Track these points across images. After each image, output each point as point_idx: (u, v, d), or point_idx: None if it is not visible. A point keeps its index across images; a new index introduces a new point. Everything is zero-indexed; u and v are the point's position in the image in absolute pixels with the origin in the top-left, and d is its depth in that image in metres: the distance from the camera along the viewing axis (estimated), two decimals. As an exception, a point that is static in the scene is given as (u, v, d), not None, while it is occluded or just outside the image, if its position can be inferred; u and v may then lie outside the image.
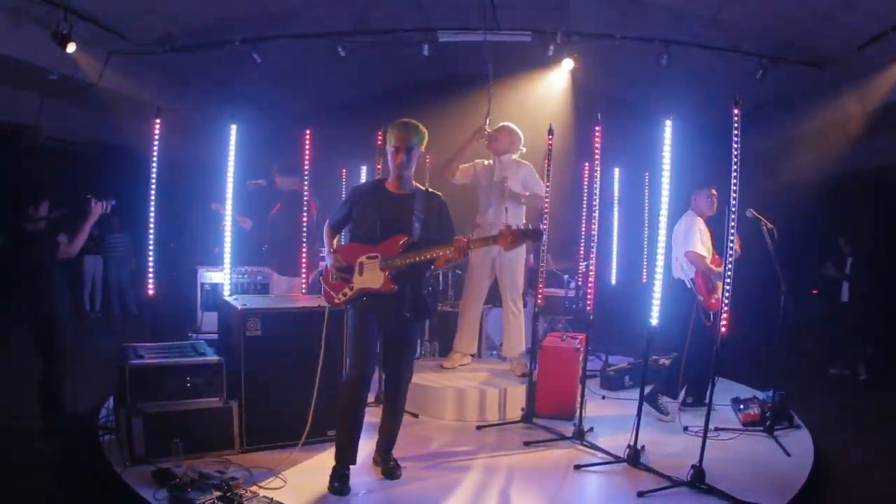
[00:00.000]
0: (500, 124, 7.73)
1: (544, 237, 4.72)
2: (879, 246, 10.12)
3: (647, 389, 6.89)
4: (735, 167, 5.34)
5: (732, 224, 5.49)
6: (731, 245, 5.55)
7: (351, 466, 5.27)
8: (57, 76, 9.11)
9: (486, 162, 7.81)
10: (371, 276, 5.23)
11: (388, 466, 5.52)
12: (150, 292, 7.05)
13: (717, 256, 7.36)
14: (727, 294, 5.60)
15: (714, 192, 7.35)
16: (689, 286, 7.19)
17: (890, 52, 8.33)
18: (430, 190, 5.50)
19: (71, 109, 10.66)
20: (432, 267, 5.42)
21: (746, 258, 6.94)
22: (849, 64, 8.91)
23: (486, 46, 8.64)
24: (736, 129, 5.33)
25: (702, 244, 7.24)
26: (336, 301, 5.41)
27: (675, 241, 7.27)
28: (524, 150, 7.73)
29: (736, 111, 5.32)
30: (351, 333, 5.41)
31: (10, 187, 7.18)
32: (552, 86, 9.69)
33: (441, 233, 5.28)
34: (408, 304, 5.24)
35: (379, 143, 6.74)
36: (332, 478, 5.18)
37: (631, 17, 8.99)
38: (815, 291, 10.62)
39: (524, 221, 7.56)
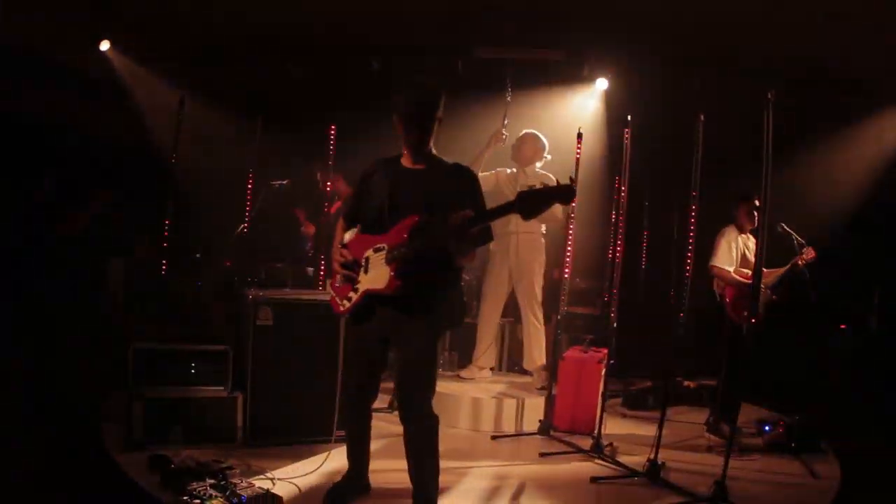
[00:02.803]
0: (524, 132, 7.58)
1: (574, 194, 3.74)
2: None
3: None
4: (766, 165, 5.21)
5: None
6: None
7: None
8: (92, 74, 9.13)
9: (508, 170, 7.61)
10: (376, 274, 4.17)
11: None
12: (163, 272, 6.98)
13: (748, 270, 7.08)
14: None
15: (757, 202, 7.06)
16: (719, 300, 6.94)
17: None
18: (456, 163, 4.41)
19: (105, 111, 10.69)
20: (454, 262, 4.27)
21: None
22: (884, 89, 8.71)
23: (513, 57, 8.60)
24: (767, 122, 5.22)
25: (729, 256, 6.96)
26: (341, 308, 4.42)
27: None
28: (549, 157, 7.54)
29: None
30: (349, 347, 4.68)
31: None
32: (584, 104, 9.56)
33: None
34: (418, 305, 4.20)
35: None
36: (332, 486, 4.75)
37: (664, 41, 8.87)
38: (842, 326, 10.33)
39: (543, 232, 7.45)
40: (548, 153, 7.55)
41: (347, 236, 4.60)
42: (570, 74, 9.35)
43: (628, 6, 7.73)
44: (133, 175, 10.33)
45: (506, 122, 7.65)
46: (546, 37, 8.88)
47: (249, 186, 7.25)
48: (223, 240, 8.32)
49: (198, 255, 10.69)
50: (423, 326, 4.26)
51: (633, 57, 9.06)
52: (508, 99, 8.05)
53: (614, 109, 9.35)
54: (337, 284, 4.45)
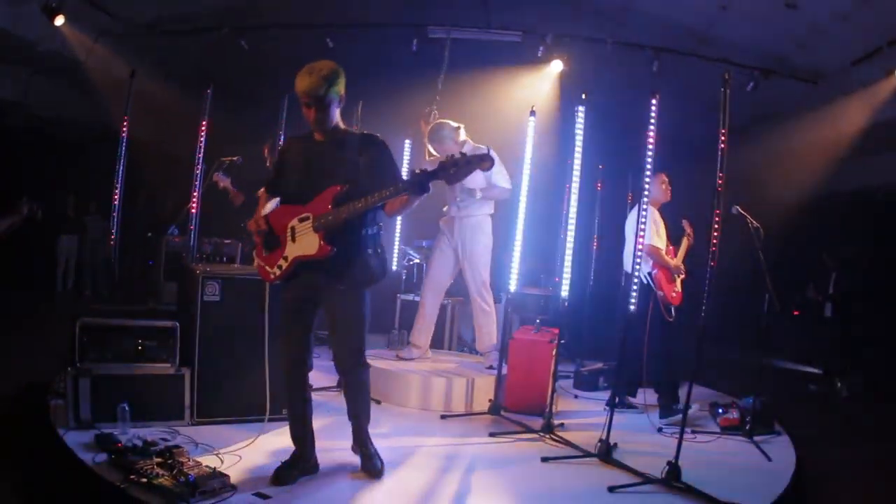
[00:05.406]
0: (438, 122, 7.36)
1: (494, 161, 4.28)
2: (864, 264, 9.98)
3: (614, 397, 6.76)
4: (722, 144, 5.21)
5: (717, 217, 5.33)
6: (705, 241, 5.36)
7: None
8: (44, 49, 8.96)
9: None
10: (305, 242, 4.52)
11: (363, 460, 4.92)
12: (112, 243, 6.88)
13: (671, 247, 7.19)
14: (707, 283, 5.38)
15: (666, 178, 7.16)
16: (645, 281, 6.87)
17: (883, 67, 8.21)
18: (365, 132, 4.75)
19: (57, 87, 10.48)
20: (378, 223, 4.70)
21: (730, 258, 6.72)
22: (842, 79, 8.78)
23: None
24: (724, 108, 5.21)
25: (657, 235, 7.01)
26: (272, 277, 4.72)
27: (628, 234, 7.10)
28: (466, 140, 7.27)
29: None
30: (280, 316, 4.80)
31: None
32: (539, 85, 9.52)
33: (383, 179, 4.42)
34: (346, 267, 4.54)
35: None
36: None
37: (624, 26, 8.88)
38: (796, 312, 10.47)
39: (491, 212, 7.40)
40: (465, 136, 7.32)
41: (270, 206, 4.88)
42: (525, 56, 9.31)
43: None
44: (85, 151, 10.23)
45: (437, 98, 7.67)
46: (502, 17, 8.87)
47: (199, 162, 7.14)
48: (174, 216, 8.23)
49: (150, 234, 10.57)
50: (352, 286, 4.62)
51: (590, 39, 9.06)
52: (440, 85, 7.95)
53: (569, 92, 9.34)
54: (265, 255, 4.75)
